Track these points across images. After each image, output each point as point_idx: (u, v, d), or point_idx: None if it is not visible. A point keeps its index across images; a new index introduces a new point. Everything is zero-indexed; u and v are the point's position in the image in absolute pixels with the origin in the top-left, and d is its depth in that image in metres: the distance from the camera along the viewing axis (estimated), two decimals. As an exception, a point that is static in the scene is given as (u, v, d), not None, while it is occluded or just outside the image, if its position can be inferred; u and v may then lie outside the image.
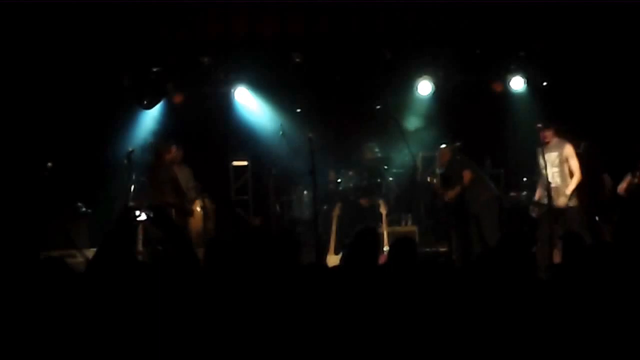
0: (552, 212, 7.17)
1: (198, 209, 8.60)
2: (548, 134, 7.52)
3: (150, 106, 9.19)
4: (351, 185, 8.93)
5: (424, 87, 9.45)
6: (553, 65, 9.18)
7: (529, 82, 9.41)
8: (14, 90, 8.47)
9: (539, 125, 7.54)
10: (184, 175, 8.95)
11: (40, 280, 3.53)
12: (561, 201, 7.40)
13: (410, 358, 3.38)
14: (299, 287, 3.74)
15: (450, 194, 8.30)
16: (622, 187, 7.82)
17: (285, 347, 3.39)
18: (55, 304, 3.41)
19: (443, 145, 8.54)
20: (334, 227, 8.19)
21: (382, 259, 6.83)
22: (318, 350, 3.39)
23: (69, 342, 3.27)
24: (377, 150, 9.24)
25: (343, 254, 5.14)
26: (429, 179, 8.84)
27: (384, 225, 8.13)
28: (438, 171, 8.57)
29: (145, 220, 4.09)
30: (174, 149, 8.14)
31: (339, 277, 4.19)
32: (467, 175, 8.18)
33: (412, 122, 9.50)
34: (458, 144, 8.51)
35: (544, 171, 7.25)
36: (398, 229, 8.78)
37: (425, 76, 9.39)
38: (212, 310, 3.55)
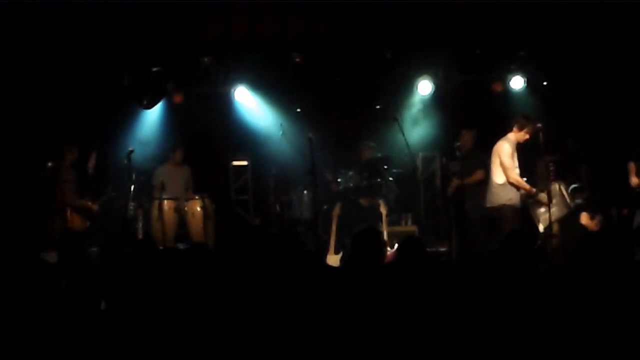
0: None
1: (198, 209, 8.60)
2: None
3: (150, 106, 9.18)
4: (351, 185, 8.92)
5: (424, 87, 9.45)
6: (553, 65, 9.18)
7: (529, 82, 9.41)
8: (14, 90, 8.47)
9: (539, 125, 7.53)
10: (181, 175, 8.95)
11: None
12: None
13: (411, 357, 3.38)
14: (300, 286, 3.74)
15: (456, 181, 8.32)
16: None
17: (288, 346, 3.39)
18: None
19: (464, 131, 8.58)
20: (334, 227, 8.17)
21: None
22: (319, 350, 3.39)
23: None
24: (373, 146, 9.19)
25: (343, 254, 5.14)
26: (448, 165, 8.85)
27: (384, 225, 8.11)
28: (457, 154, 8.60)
29: None
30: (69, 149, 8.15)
31: (340, 277, 4.19)
32: (479, 174, 8.17)
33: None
34: (458, 143, 8.51)
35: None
36: (398, 229, 8.78)
37: (425, 76, 9.39)
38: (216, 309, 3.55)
